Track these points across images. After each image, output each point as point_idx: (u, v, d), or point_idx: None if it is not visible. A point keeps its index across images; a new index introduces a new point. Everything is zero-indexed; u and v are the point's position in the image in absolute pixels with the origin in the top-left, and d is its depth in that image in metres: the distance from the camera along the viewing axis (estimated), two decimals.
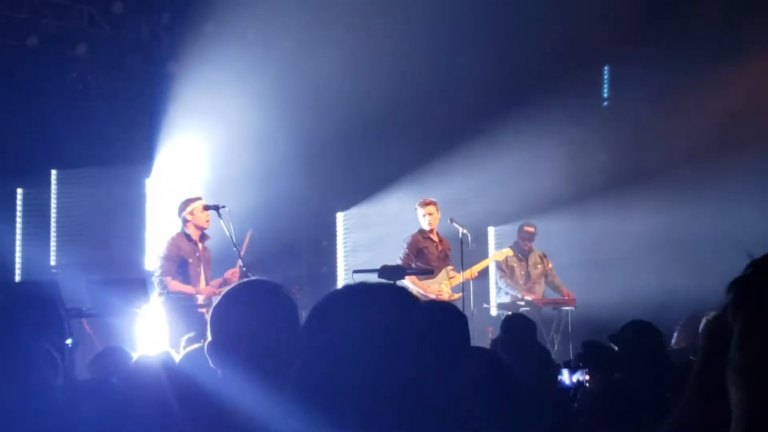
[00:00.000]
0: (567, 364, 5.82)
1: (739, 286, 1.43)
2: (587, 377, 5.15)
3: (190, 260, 8.65)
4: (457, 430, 2.93)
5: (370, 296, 1.76)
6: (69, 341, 3.29)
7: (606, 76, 13.34)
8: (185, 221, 8.80)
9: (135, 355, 4.81)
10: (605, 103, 13.44)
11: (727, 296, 1.44)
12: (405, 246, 9.84)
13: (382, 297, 1.76)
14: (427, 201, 9.89)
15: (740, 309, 1.40)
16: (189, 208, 8.79)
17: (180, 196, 9.29)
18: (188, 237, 8.76)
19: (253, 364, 2.55)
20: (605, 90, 13.43)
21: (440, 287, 9.70)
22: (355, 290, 1.79)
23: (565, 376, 5.31)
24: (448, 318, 3.28)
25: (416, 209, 9.91)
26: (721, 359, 1.44)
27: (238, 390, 2.54)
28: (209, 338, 2.62)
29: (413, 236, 9.87)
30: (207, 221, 8.77)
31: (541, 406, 4.68)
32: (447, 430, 1.82)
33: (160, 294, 8.58)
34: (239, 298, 2.64)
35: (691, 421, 1.76)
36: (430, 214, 9.78)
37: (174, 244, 8.73)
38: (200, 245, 8.81)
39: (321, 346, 1.71)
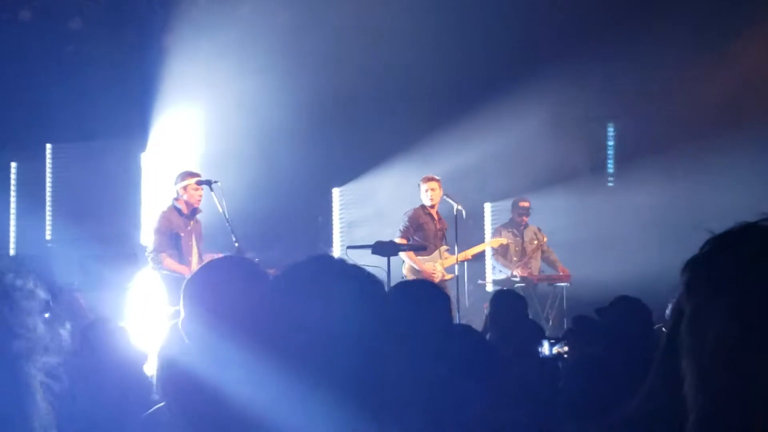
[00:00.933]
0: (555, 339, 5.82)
1: (694, 266, 1.37)
2: (565, 348, 5.15)
3: (182, 234, 8.67)
4: (435, 411, 2.92)
5: (332, 274, 1.72)
6: (46, 315, 3.28)
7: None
8: (178, 194, 8.79)
9: (124, 327, 4.84)
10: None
11: (681, 276, 1.37)
12: (406, 219, 9.84)
13: (345, 275, 1.72)
14: (429, 177, 9.91)
15: (693, 290, 1.34)
16: (184, 183, 8.77)
17: (177, 169, 9.25)
18: (179, 211, 8.76)
19: (226, 339, 2.55)
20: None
21: (434, 266, 9.70)
22: (315, 267, 1.75)
23: (545, 348, 5.32)
24: (420, 300, 3.22)
25: (419, 185, 9.91)
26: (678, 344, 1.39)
27: (214, 364, 2.53)
28: (182, 314, 2.61)
29: (415, 210, 9.87)
30: (198, 200, 8.76)
31: (528, 382, 4.68)
32: (421, 410, 1.80)
33: (155, 268, 8.60)
34: (211, 275, 2.65)
35: (655, 407, 1.72)
36: (432, 189, 9.78)
37: (165, 218, 8.73)
38: (192, 219, 8.82)
39: (289, 323, 1.68)
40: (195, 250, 8.71)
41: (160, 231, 8.65)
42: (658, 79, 12.20)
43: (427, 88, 12.24)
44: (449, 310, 3.30)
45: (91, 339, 3.75)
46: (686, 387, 1.34)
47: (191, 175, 8.86)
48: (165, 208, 8.84)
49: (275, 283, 1.74)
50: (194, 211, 8.81)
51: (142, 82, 11.36)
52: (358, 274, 1.75)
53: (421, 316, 3.04)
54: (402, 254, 9.57)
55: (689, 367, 1.33)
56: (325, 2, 11.31)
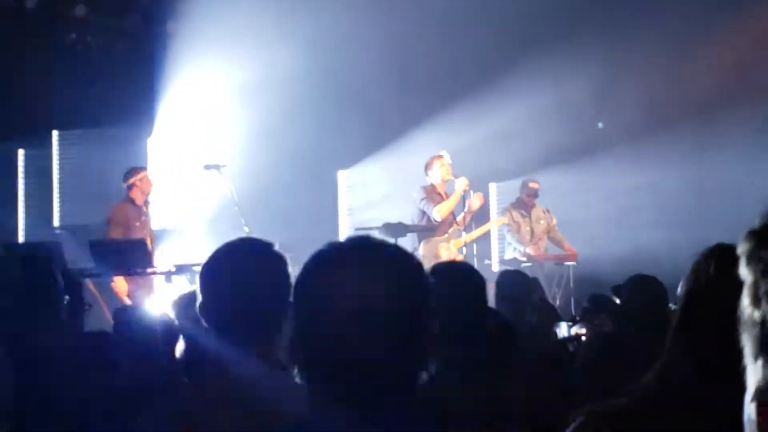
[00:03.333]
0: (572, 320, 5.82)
1: (757, 236, 1.37)
2: (583, 330, 5.15)
3: (137, 224, 8.86)
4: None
5: (372, 255, 1.66)
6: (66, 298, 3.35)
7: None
8: (132, 187, 8.94)
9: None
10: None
11: (742, 245, 1.37)
12: (423, 193, 9.60)
13: (386, 256, 1.66)
14: (440, 154, 9.87)
15: (756, 259, 1.34)
16: (139, 176, 9.00)
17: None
18: (132, 202, 8.95)
19: (242, 323, 2.56)
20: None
21: (449, 246, 9.63)
22: (355, 247, 1.68)
23: (563, 329, 5.32)
24: (457, 284, 3.20)
25: (430, 163, 9.81)
26: (707, 303, 1.39)
27: (229, 348, 2.54)
28: (199, 298, 2.61)
29: (427, 187, 9.75)
30: (151, 191, 9.02)
31: (540, 361, 4.70)
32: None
33: None
34: (228, 257, 2.63)
35: (677, 364, 1.73)
36: (449, 164, 9.77)
37: (119, 209, 8.95)
38: (145, 208, 9.04)
39: (316, 307, 1.63)
40: (148, 240, 8.78)
41: (113, 222, 8.86)
42: (661, 56, 12.16)
43: (432, 69, 12.22)
44: (484, 294, 3.29)
45: (125, 321, 3.79)
46: (745, 353, 1.34)
47: (142, 169, 9.22)
48: (118, 202, 9.04)
49: (312, 262, 1.70)
50: (146, 201, 9.04)
51: (147, 69, 11.36)
52: (399, 253, 1.71)
53: (460, 297, 3.03)
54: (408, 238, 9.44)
55: (750, 336, 1.32)
56: None
